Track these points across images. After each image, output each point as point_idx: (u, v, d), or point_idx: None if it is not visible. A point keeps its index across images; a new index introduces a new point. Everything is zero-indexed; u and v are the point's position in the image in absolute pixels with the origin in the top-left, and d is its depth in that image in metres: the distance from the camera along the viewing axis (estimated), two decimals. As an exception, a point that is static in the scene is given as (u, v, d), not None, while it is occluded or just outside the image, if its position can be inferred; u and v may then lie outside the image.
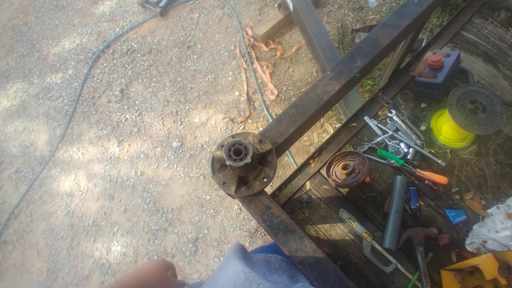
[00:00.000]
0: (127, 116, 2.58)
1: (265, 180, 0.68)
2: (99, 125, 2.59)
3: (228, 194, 0.71)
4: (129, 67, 2.76)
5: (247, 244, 2.06)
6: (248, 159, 0.61)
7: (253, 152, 0.63)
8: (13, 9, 3.36)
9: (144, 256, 2.13)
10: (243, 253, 0.73)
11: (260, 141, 0.70)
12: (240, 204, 2.09)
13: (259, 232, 2.07)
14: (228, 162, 0.62)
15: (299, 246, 0.63)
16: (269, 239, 2.06)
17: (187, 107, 2.51)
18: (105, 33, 2.98)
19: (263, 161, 0.70)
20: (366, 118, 1.25)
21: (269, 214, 0.67)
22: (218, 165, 0.71)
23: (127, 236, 2.21)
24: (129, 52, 2.83)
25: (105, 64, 2.82)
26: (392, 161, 1.18)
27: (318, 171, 1.23)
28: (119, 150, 2.47)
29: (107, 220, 2.28)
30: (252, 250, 1.13)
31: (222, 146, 0.70)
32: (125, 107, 2.61)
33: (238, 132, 2.30)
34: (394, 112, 1.24)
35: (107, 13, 3.09)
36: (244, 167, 0.62)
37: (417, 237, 1.10)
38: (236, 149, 0.63)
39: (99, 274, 2.14)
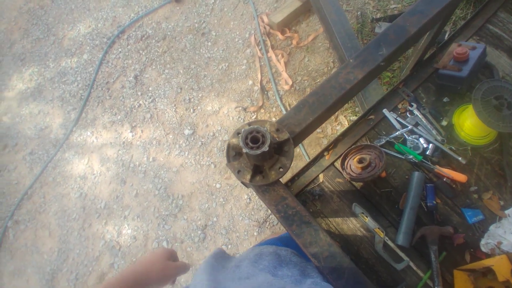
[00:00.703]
0: (141, 102, 2.58)
1: (281, 170, 0.66)
2: (113, 110, 2.61)
3: (243, 183, 0.70)
4: (143, 53, 2.76)
5: (255, 234, 2.06)
6: (265, 148, 0.59)
7: (271, 140, 0.61)
8: (30, -9, 3.37)
9: (154, 240, 2.16)
10: (217, 261, 0.73)
11: (278, 130, 0.68)
12: (255, 193, 2.08)
13: (268, 223, 2.07)
14: (244, 150, 0.60)
15: (313, 239, 0.61)
16: (277, 230, 2.06)
17: (200, 95, 2.50)
18: (120, 18, 2.97)
19: (279, 150, 0.68)
20: (385, 111, 1.21)
21: (283, 205, 0.65)
22: (233, 153, 0.70)
23: (137, 220, 2.24)
24: (143, 38, 2.81)
25: (119, 50, 2.82)
26: (410, 157, 1.14)
27: (332, 163, 1.21)
28: (132, 136, 2.49)
29: (118, 203, 2.31)
30: (262, 241, 1.12)
31: (238, 133, 0.68)
32: (139, 93, 2.62)
33: (255, 119, 2.28)
34: (414, 105, 1.20)
35: (123, -2, 3.07)
36: (260, 156, 0.60)
37: (432, 235, 1.07)
38: (253, 136, 0.61)
39: (109, 256, 2.19)
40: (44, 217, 2.39)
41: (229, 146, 0.70)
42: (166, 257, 0.73)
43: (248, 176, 0.66)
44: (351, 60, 0.72)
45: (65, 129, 2.64)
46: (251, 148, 0.60)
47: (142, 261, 0.71)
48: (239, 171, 0.68)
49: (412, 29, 0.76)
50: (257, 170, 0.68)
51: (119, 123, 2.55)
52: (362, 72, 0.70)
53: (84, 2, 3.15)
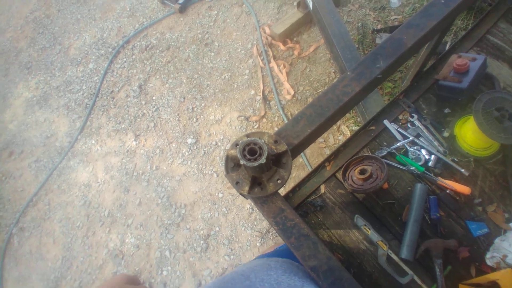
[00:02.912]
0: (144, 111, 2.61)
1: (279, 181, 0.66)
2: (117, 118, 2.64)
3: (241, 194, 0.70)
4: (147, 63, 2.80)
5: (257, 244, 2.05)
6: (262, 160, 0.59)
7: (268, 152, 0.61)
8: (35, 1, 3.46)
9: (157, 250, 2.16)
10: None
11: (276, 142, 0.68)
12: (253, 205, 2.08)
13: (271, 233, 2.06)
14: (242, 162, 0.60)
15: (312, 252, 0.61)
16: (280, 241, 2.05)
17: (203, 104, 2.52)
18: (125, 28, 3.03)
19: (277, 162, 0.68)
20: (386, 122, 1.21)
21: (282, 217, 0.65)
22: (232, 164, 0.70)
23: (140, 229, 2.24)
24: (148, 48, 2.86)
25: (124, 59, 2.87)
26: (412, 168, 1.14)
27: (334, 174, 1.20)
28: (136, 144, 2.51)
29: (122, 212, 2.32)
30: (261, 256, 1.10)
31: (237, 145, 0.68)
32: (143, 102, 2.65)
33: (253, 131, 2.29)
34: (415, 116, 1.19)
35: (128, 9, 3.14)
36: (258, 168, 0.61)
37: (436, 248, 1.05)
38: (250, 148, 0.61)
39: (112, 264, 2.18)
40: (49, 225, 2.40)
41: (227, 157, 0.70)
42: (125, 281, 0.72)
43: (247, 188, 0.66)
44: (348, 73, 0.72)
45: (70, 137, 2.67)
46: (249, 160, 0.60)
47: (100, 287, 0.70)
48: (237, 183, 0.68)
49: (409, 42, 0.77)
50: (256, 182, 0.68)
51: (123, 131, 2.58)
52: (359, 84, 0.70)
53: (90, 12, 3.23)
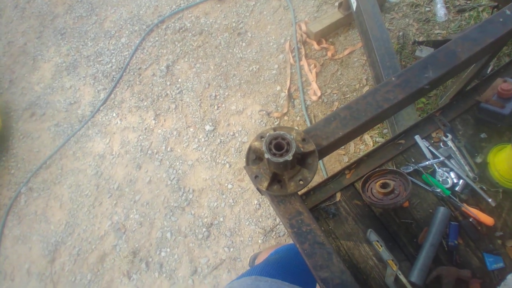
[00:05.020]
0: (168, 92, 2.61)
1: (301, 182, 0.62)
2: (141, 95, 2.65)
3: (258, 189, 0.67)
4: (178, 45, 2.79)
5: (259, 241, 2.02)
6: (289, 156, 0.55)
7: (295, 150, 0.57)
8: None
9: (159, 230, 2.16)
10: None
11: (304, 140, 0.64)
12: (267, 201, 2.05)
13: (274, 233, 2.02)
14: (266, 156, 0.57)
15: (325, 262, 0.57)
16: (282, 242, 2.01)
17: (226, 93, 2.50)
18: (162, 8, 3.03)
19: (302, 161, 0.64)
20: (417, 137, 1.14)
21: (298, 220, 0.61)
22: (253, 156, 0.67)
23: (146, 207, 2.25)
24: (181, 30, 2.85)
25: (156, 38, 2.88)
26: (438, 190, 1.07)
27: (352, 184, 1.15)
28: (155, 123, 2.52)
29: (131, 187, 2.33)
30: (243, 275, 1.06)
31: (262, 137, 0.65)
32: (168, 83, 2.65)
33: (281, 125, 2.25)
34: (450, 136, 1.12)
35: (167, -12, 3.13)
36: (282, 164, 0.57)
37: (449, 276, 0.99)
38: (278, 143, 0.57)
39: (113, 237, 2.21)
40: (58, 189, 2.44)
41: (250, 148, 0.67)
42: None
43: (266, 184, 0.62)
44: (393, 78, 0.67)
45: (92, 107, 2.70)
46: (274, 154, 0.57)
47: None
48: (256, 176, 0.64)
49: (463, 56, 0.71)
50: (276, 179, 0.64)
51: (145, 109, 2.59)
52: (403, 92, 0.65)
53: (130, -13, 3.24)
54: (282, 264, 1.11)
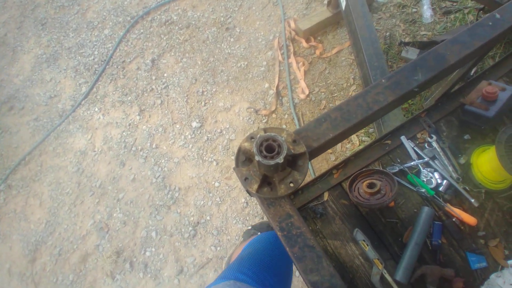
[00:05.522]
0: (153, 86, 2.55)
1: (291, 185, 0.61)
2: (124, 90, 2.58)
3: (248, 191, 0.65)
4: (164, 38, 2.73)
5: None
6: (280, 159, 0.54)
7: (286, 152, 0.56)
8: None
9: (143, 229, 2.12)
10: None
11: (294, 141, 0.63)
12: (257, 202, 2.03)
13: (261, 230, 2.02)
14: (257, 158, 0.55)
15: (315, 265, 0.56)
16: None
17: (214, 89, 2.46)
18: (147, -1, 2.95)
19: (293, 163, 0.63)
20: (403, 138, 1.16)
21: (288, 223, 0.60)
22: (243, 158, 0.65)
23: (130, 205, 2.20)
24: (167, 23, 2.78)
25: (141, 31, 2.80)
26: (423, 190, 1.09)
27: (340, 183, 1.15)
28: (139, 119, 2.45)
29: (114, 185, 2.27)
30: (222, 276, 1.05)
31: (252, 138, 0.63)
32: (153, 77, 2.59)
33: (271, 126, 2.24)
34: (434, 137, 1.14)
35: (153, -20, 3.05)
36: (273, 167, 0.56)
37: (432, 275, 1.01)
38: (268, 145, 0.56)
39: (96, 237, 2.15)
40: (38, 186, 2.35)
41: (239, 149, 0.65)
42: None
43: (256, 186, 0.61)
44: (383, 80, 0.67)
45: (73, 101, 2.61)
46: (265, 157, 0.55)
47: None
48: (246, 178, 0.63)
49: (452, 59, 0.72)
50: (266, 181, 0.63)
51: (129, 104, 2.52)
52: (393, 94, 0.65)
53: (114, -22, 3.14)
54: (256, 258, 1.12)
